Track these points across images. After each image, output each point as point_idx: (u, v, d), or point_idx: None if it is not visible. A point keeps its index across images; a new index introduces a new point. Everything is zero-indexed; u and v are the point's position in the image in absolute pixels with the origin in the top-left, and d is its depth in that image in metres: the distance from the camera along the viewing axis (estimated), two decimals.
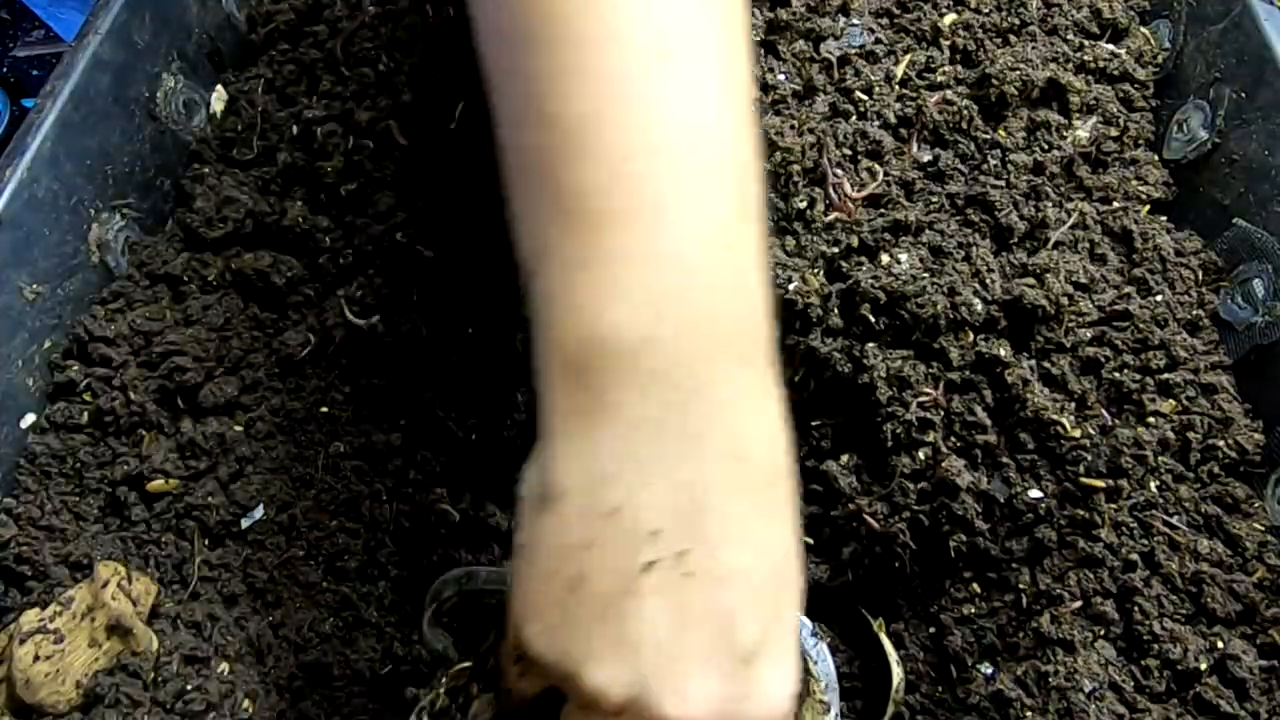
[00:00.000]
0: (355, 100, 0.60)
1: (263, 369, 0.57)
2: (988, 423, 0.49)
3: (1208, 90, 0.55)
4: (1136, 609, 0.45)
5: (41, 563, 0.51)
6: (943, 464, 0.49)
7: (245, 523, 0.53)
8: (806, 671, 0.46)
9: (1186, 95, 0.57)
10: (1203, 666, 0.44)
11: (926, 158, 0.56)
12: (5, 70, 1.19)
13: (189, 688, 0.48)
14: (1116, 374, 0.49)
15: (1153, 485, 0.47)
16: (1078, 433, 0.48)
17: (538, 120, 0.35)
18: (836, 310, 0.51)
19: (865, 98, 0.57)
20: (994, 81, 0.56)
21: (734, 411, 0.32)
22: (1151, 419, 0.49)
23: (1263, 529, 0.46)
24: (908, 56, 0.58)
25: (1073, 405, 0.49)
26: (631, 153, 0.33)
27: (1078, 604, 0.46)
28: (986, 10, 0.60)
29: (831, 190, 0.53)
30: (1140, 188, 0.55)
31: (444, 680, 0.46)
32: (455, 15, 0.59)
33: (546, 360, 0.34)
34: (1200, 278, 0.53)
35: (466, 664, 0.47)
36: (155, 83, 0.61)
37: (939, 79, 0.58)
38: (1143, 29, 0.60)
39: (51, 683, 0.46)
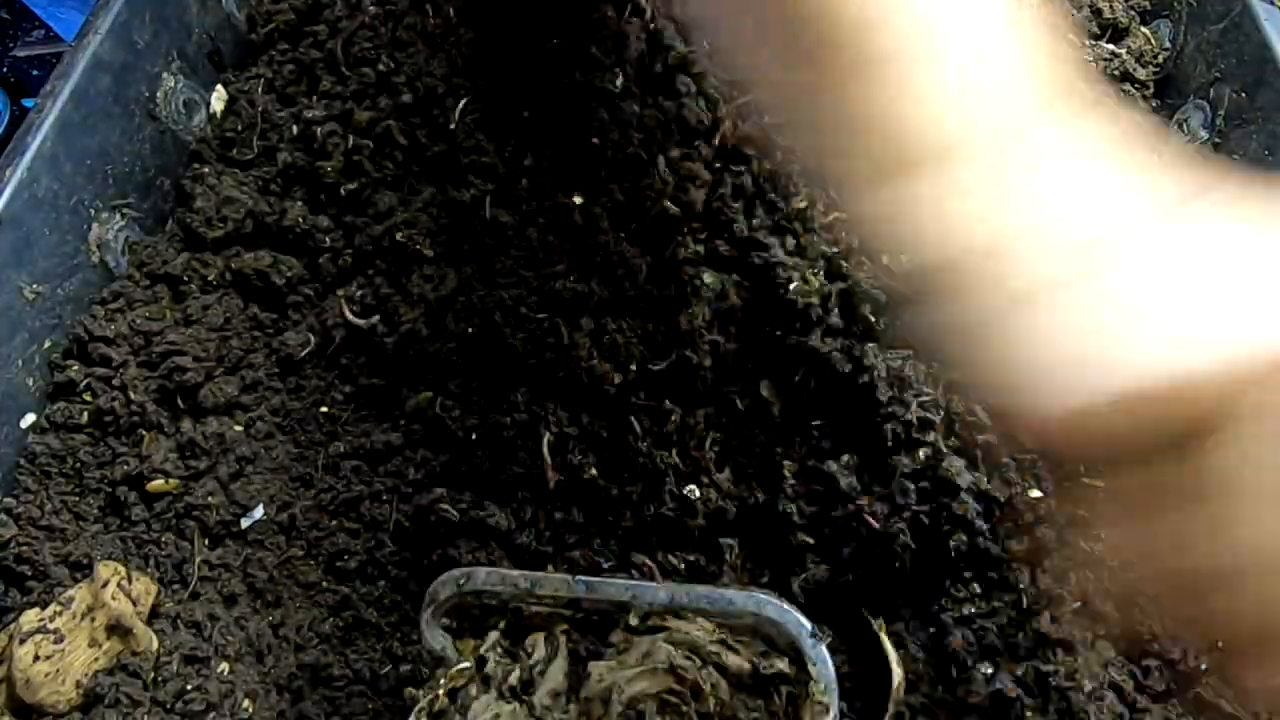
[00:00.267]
0: (355, 100, 0.60)
1: (263, 369, 0.57)
2: (988, 422, 0.49)
3: (1208, 90, 0.55)
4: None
5: (41, 563, 0.51)
6: (943, 464, 0.49)
7: (245, 523, 0.53)
8: (805, 672, 0.46)
9: (1186, 95, 0.57)
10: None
11: None
12: (5, 70, 1.19)
13: (189, 688, 0.48)
14: None
15: None
16: None
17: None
18: (836, 310, 0.51)
19: None
20: None
21: None
22: None
23: None
24: None
25: None
26: None
27: (1078, 604, 0.46)
28: None
29: (831, 190, 0.53)
30: None
31: (443, 681, 0.46)
32: (455, 15, 0.59)
33: None
34: None
35: (466, 664, 0.47)
36: (155, 83, 0.61)
37: None
38: (1143, 29, 0.60)
39: (51, 683, 0.46)
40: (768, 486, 0.52)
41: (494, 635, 0.48)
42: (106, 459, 0.54)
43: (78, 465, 0.54)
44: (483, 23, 0.58)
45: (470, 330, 0.54)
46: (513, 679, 0.46)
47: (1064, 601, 0.47)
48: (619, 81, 0.54)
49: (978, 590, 0.49)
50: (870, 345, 0.50)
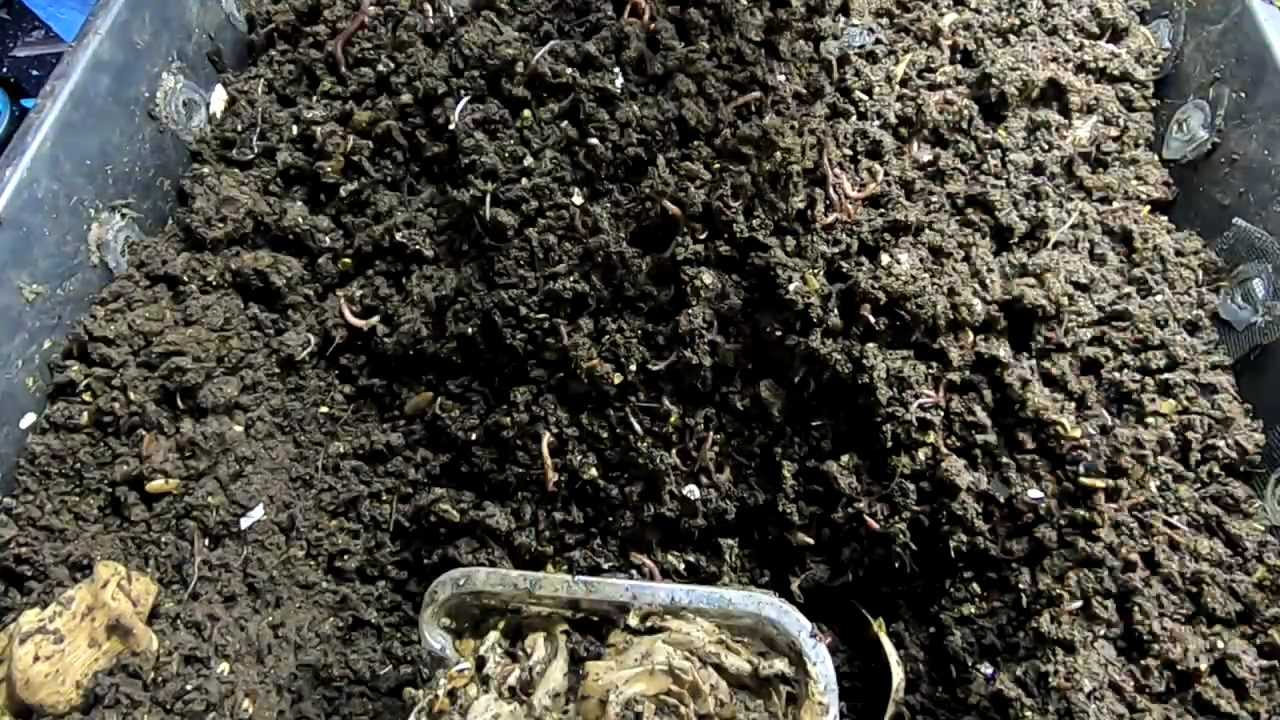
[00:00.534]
0: (355, 100, 0.60)
1: (263, 369, 0.57)
2: (988, 423, 0.49)
3: (1208, 90, 0.55)
4: (1136, 609, 0.45)
5: (41, 563, 0.50)
6: (943, 464, 0.49)
7: (245, 523, 0.53)
8: (805, 673, 0.46)
9: (1186, 95, 0.57)
10: (1203, 666, 0.44)
11: (926, 157, 0.56)
12: (5, 70, 1.19)
13: (189, 688, 0.48)
14: (1116, 374, 0.49)
15: (1153, 485, 0.47)
16: (1078, 433, 0.48)
17: None
18: (836, 311, 0.51)
19: (865, 98, 0.57)
20: (994, 81, 0.56)
21: None
22: (1151, 419, 0.49)
23: (1263, 529, 0.46)
24: (908, 56, 0.58)
25: (1073, 405, 0.49)
26: None
27: (1078, 604, 0.46)
28: (986, 10, 0.60)
29: (831, 190, 0.53)
30: (1140, 188, 0.55)
31: (443, 681, 0.46)
32: (455, 15, 0.59)
33: None
34: (1200, 278, 0.53)
35: (465, 665, 0.47)
36: (155, 83, 0.61)
37: (939, 79, 0.58)
38: (1143, 29, 0.60)
39: (51, 683, 0.45)
40: (768, 486, 0.52)
41: (494, 635, 0.48)
42: (106, 459, 0.54)
43: (78, 465, 0.54)
44: (483, 23, 0.58)
45: (470, 330, 0.54)
46: (512, 679, 0.46)
47: (1064, 601, 0.47)
48: (619, 82, 0.54)
49: (978, 590, 0.49)
50: (870, 345, 0.50)
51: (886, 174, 0.55)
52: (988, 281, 0.51)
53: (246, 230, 0.59)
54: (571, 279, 0.52)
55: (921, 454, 0.50)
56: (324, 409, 0.57)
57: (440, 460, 0.55)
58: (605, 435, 0.52)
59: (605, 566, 0.52)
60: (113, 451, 0.54)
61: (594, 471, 0.52)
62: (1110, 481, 0.47)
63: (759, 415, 0.52)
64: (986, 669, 0.47)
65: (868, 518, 0.50)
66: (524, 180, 0.54)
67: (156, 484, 0.53)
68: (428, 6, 0.60)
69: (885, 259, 0.52)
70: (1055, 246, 0.53)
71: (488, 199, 0.54)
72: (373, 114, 0.58)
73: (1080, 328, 0.50)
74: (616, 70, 0.54)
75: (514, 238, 0.54)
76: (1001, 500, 0.48)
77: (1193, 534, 0.46)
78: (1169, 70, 0.59)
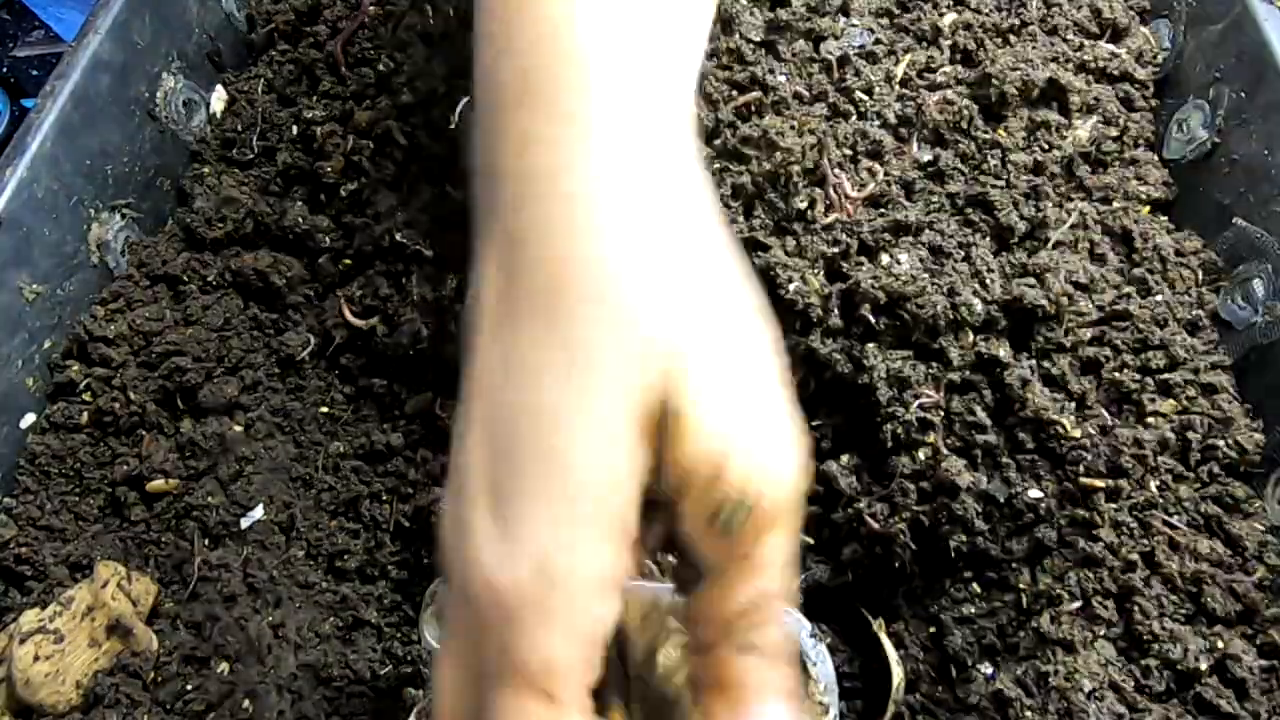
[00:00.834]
0: (355, 100, 0.60)
1: (263, 369, 0.57)
2: (988, 423, 0.49)
3: (1208, 90, 0.55)
4: (1136, 609, 0.45)
5: (41, 563, 0.51)
6: (943, 464, 0.49)
7: (245, 523, 0.53)
8: (805, 673, 0.46)
9: (1186, 95, 0.57)
10: (1203, 666, 0.44)
11: (926, 158, 0.56)
12: (5, 70, 1.19)
13: (189, 688, 0.48)
14: (1116, 374, 0.49)
15: (1153, 485, 0.47)
16: (1078, 433, 0.48)
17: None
18: (836, 311, 0.51)
19: (865, 98, 0.57)
20: (994, 81, 0.56)
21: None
22: (1151, 419, 0.49)
23: (1263, 529, 0.46)
24: (908, 56, 0.58)
25: (1073, 405, 0.49)
26: None
27: (1078, 604, 0.46)
28: (986, 10, 0.60)
29: (831, 190, 0.53)
30: (1140, 188, 0.55)
31: None
32: (455, 15, 0.59)
33: None
34: (1200, 278, 0.53)
35: None
36: (155, 83, 0.61)
37: (939, 79, 0.58)
38: (1143, 29, 0.60)
39: (51, 683, 0.45)
40: None
41: None
42: (106, 459, 0.54)
43: (78, 465, 0.54)
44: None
45: None
46: None
47: (1064, 601, 0.47)
48: None
49: (978, 590, 0.49)
50: (870, 345, 0.50)
51: (886, 174, 0.54)
52: (988, 281, 0.51)
53: (246, 230, 0.59)
54: None
55: (921, 454, 0.50)
56: (324, 409, 0.57)
57: (440, 460, 0.54)
58: None
59: None
60: (113, 451, 0.54)
61: None
62: (1110, 481, 0.47)
63: None
64: (986, 669, 0.47)
65: (868, 518, 0.50)
66: None
67: (156, 484, 0.53)
68: (428, 7, 0.60)
69: (885, 259, 0.52)
70: (1055, 246, 0.53)
71: None
72: (373, 114, 0.58)
73: (1080, 328, 0.50)
74: None
75: None
76: (1001, 500, 0.48)
77: (1193, 534, 0.46)
78: (1169, 70, 0.59)
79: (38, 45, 1.20)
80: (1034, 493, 0.48)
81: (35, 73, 1.19)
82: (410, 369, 0.56)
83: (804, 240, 0.52)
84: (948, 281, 0.51)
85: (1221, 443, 0.48)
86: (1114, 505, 0.47)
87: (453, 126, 0.56)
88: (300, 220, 0.58)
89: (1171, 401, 0.49)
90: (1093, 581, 0.46)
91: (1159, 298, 0.51)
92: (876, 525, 0.49)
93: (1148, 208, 0.55)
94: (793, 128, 0.53)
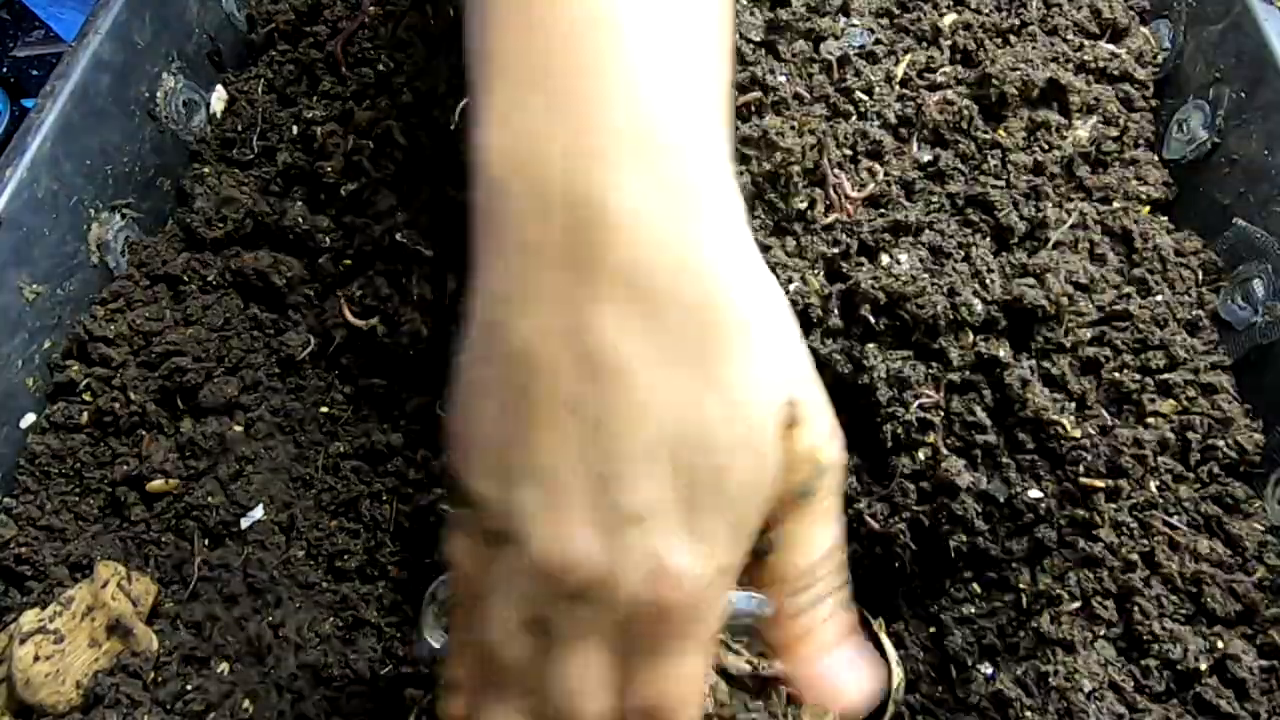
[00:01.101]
0: (355, 100, 0.60)
1: (263, 369, 0.57)
2: (988, 423, 0.49)
3: (1208, 90, 0.55)
4: (1136, 609, 0.45)
5: (41, 563, 0.51)
6: (943, 464, 0.49)
7: (245, 523, 0.53)
8: None
9: (1186, 95, 0.57)
10: (1203, 666, 0.44)
11: (926, 158, 0.56)
12: (5, 70, 1.19)
13: (189, 688, 0.48)
14: (1116, 374, 0.49)
15: (1153, 485, 0.47)
16: (1078, 433, 0.48)
17: None
18: (836, 311, 0.51)
19: (865, 98, 0.57)
20: (994, 81, 0.56)
21: (629, 235, 0.28)
22: (1151, 419, 0.49)
23: (1263, 529, 0.46)
24: (908, 56, 0.58)
25: (1073, 405, 0.49)
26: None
27: (1078, 604, 0.46)
28: (986, 10, 0.60)
29: (831, 191, 0.53)
30: (1140, 188, 0.55)
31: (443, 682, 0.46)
32: (455, 15, 0.59)
33: (471, 183, 0.31)
34: (1200, 278, 0.53)
35: None
36: (155, 83, 0.62)
37: (939, 79, 0.58)
38: (1143, 29, 0.60)
39: (51, 683, 0.46)
40: None
41: None
42: (106, 459, 0.54)
43: (78, 465, 0.54)
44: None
45: None
46: None
47: (1064, 601, 0.47)
48: None
49: (978, 590, 0.49)
50: (870, 346, 0.50)
51: (886, 174, 0.55)
52: (988, 281, 0.51)
53: (246, 230, 0.59)
54: None
55: (921, 454, 0.50)
56: (324, 409, 0.57)
57: (440, 460, 0.54)
58: None
59: None
60: (113, 451, 0.54)
61: None
62: (1110, 481, 0.47)
63: None
64: (986, 669, 0.47)
65: (868, 518, 0.50)
66: None
67: (156, 484, 0.53)
68: (428, 7, 0.60)
69: (885, 259, 0.52)
70: (1055, 246, 0.53)
71: None
72: (373, 114, 0.58)
73: (1080, 328, 0.50)
74: None
75: None
76: (1001, 500, 0.48)
77: (1193, 534, 0.46)
78: (1169, 70, 0.59)
79: (38, 45, 1.20)
80: (1034, 493, 0.48)
81: (35, 73, 1.19)
82: (410, 369, 0.56)
83: (804, 240, 0.53)
84: (948, 281, 0.51)
85: (1221, 443, 0.48)
86: (1114, 505, 0.47)
87: (453, 127, 0.56)
88: (300, 220, 0.58)
89: (1171, 401, 0.49)
90: (1093, 581, 0.46)
91: (1159, 298, 0.51)
92: (876, 525, 0.49)
93: (1148, 208, 0.55)
94: (793, 128, 0.53)
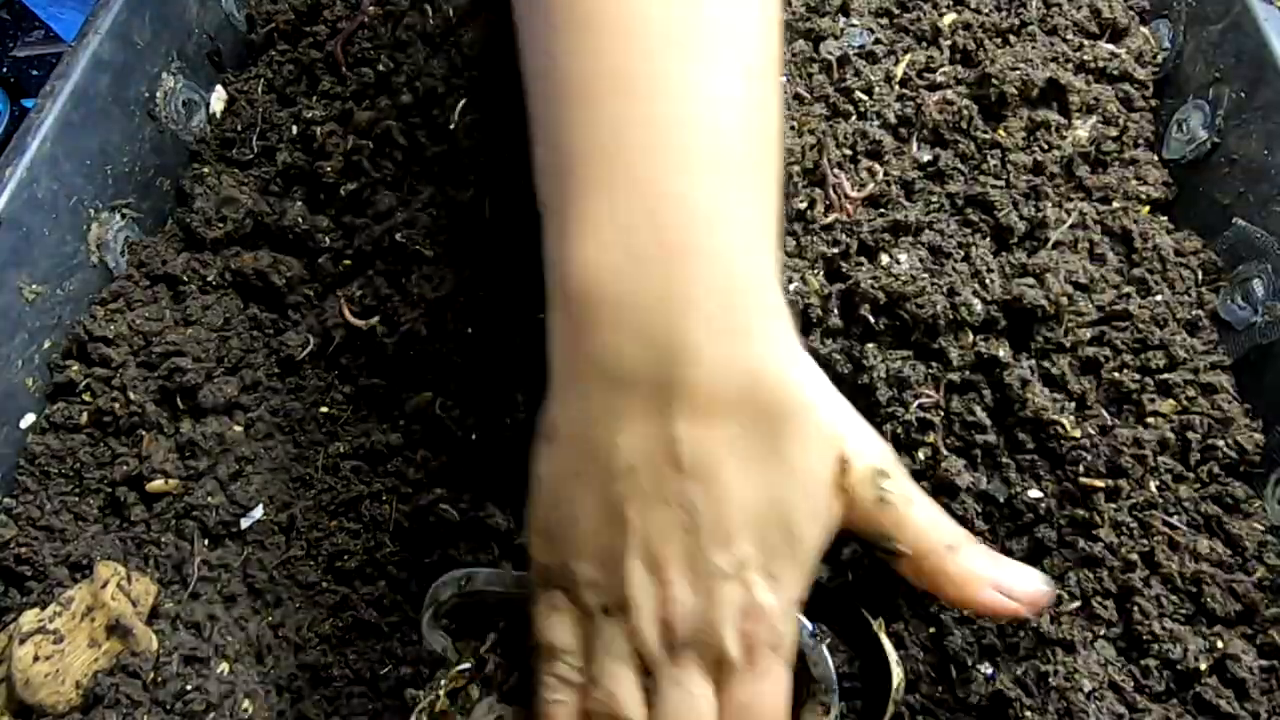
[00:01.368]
0: (355, 100, 0.60)
1: (263, 369, 0.57)
2: (987, 423, 0.49)
3: (1208, 90, 0.55)
4: (1136, 609, 0.45)
5: (41, 563, 0.51)
6: (943, 464, 0.49)
7: (245, 523, 0.53)
8: (805, 673, 0.46)
9: (1186, 95, 0.57)
10: (1203, 666, 0.44)
11: (926, 158, 0.56)
12: (5, 70, 1.19)
13: (189, 688, 0.48)
14: (1116, 374, 0.49)
15: (1152, 485, 0.47)
16: (1077, 433, 0.48)
17: (547, 71, 0.38)
18: (836, 311, 0.51)
19: (865, 98, 0.57)
20: (994, 81, 0.56)
21: (707, 365, 0.34)
22: (1151, 419, 0.49)
23: (1263, 529, 0.46)
24: (908, 56, 0.58)
25: (1073, 405, 0.49)
26: (637, 116, 0.35)
27: (1077, 604, 0.46)
28: (986, 10, 0.60)
29: (831, 191, 0.53)
30: (1140, 188, 0.55)
31: (443, 682, 0.46)
32: (455, 15, 0.59)
33: (550, 302, 0.37)
34: (1200, 278, 0.53)
35: (466, 665, 0.47)
36: (155, 83, 0.62)
37: (939, 79, 0.58)
38: (1143, 29, 0.60)
39: (51, 683, 0.46)
40: None
41: (494, 636, 0.48)
42: (106, 459, 0.54)
43: (78, 465, 0.54)
44: (483, 23, 0.58)
45: (470, 330, 0.54)
46: (513, 680, 0.46)
47: (1064, 601, 0.47)
48: None
49: None
50: (870, 346, 0.50)
51: (886, 174, 0.55)
52: (987, 281, 0.51)
53: (246, 230, 0.59)
54: None
55: (921, 454, 0.50)
56: (324, 409, 0.57)
57: (440, 460, 0.54)
58: None
59: None
60: (113, 451, 0.54)
61: None
62: (1110, 481, 0.47)
63: None
64: (986, 669, 0.47)
65: None
66: (525, 180, 0.54)
67: (156, 484, 0.53)
68: (428, 7, 0.60)
69: (885, 259, 0.52)
70: (1055, 246, 0.53)
71: (488, 199, 0.54)
72: (373, 114, 0.58)
73: (1080, 328, 0.50)
74: None
75: (514, 238, 0.54)
76: (1001, 500, 0.48)
77: (1193, 534, 0.46)
78: (1169, 70, 0.59)
79: (38, 45, 1.20)
80: (1034, 493, 0.48)
81: (35, 73, 1.19)
82: (410, 369, 0.56)
83: (804, 240, 0.53)
84: (947, 281, 0.51)
85: (1221, 443, 0.48)
86: (1114, 505, 0.47)
87: (453, 127, 0.56)
88: (300, 220, 0.58)
89: (1171, 401, 0.49)
90: (1093, 581, 0.46)
91: (1159, 298, 0.51)
92: None
93: (1147, 208, 0.55)
94: (793, 128, 0.53)
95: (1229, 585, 0.45)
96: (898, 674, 0.46)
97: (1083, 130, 0.56)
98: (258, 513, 0.54)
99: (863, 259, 0.53)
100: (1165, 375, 0.49)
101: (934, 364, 0.50)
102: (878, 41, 0.59)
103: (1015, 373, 0.49)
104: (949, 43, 0.59)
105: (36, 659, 0.45)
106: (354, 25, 0.61)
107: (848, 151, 0.55)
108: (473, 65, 0.56)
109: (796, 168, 0.52)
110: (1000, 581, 0.39)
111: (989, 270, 0.52)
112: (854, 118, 0.56)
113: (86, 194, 0.57)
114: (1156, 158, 0.57)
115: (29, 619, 0.47)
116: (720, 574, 0.35)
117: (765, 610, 0.35)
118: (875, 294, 0.50)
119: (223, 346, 0.57)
